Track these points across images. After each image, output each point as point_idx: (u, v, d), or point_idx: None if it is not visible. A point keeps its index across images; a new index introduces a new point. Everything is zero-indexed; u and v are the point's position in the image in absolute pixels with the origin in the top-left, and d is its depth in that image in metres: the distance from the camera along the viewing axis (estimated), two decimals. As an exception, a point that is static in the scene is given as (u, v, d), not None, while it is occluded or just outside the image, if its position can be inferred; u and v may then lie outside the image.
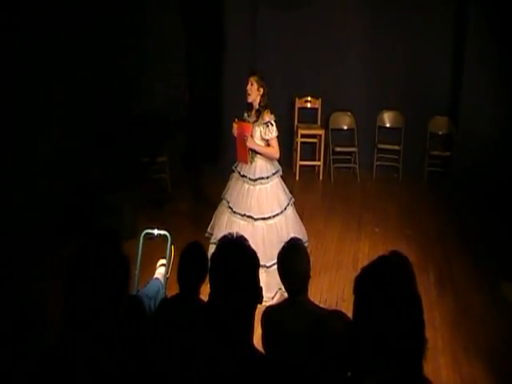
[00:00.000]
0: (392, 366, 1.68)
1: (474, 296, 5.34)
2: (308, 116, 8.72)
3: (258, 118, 5.03)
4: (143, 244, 4.31)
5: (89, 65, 6.18)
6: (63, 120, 5.82)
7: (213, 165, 7.89)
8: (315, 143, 8.64)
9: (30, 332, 2.21)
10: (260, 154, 5.07)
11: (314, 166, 8.68)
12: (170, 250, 4.47)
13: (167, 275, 4.40)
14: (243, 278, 1.99)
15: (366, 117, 8.58)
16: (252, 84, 4.99)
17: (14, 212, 5.18)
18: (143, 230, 4.38)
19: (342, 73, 8.54)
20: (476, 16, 7.71)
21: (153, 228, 4.40)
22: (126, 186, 6.50)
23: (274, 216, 5.10)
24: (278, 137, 5.09)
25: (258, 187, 5.08)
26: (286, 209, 5.19)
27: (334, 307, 4.79)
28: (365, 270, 1.78)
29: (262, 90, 5.01)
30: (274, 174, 5.15)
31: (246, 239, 2.11)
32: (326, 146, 8.52)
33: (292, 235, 5.04)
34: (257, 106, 5.05)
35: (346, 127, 8.69)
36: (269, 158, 5.13)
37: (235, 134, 5.09)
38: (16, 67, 5.17)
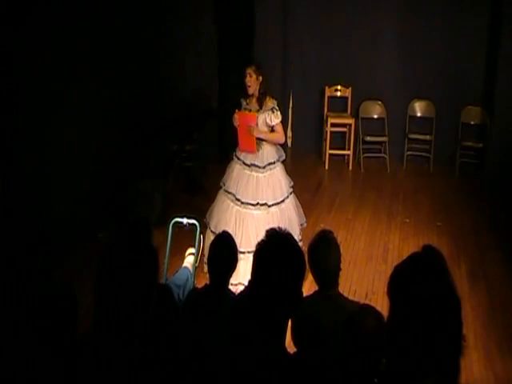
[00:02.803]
0: (428, 366, 1.64)
1: (508, 291, 5.21)
2: (338, 105, 8.63)
3: (260, 105, 5.00)
4: (172, 232, 4.31)
5: (123, 57, 6.24)
6: (98, 110, 5.88)
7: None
8: (345, 132, 8.55)
9: (62, 321, 2.19)
10: (266, 140, 5.06)
11: (343, 156, 8.59)
12: (199, 238, 4.48)
13: (196, 264, 4.41)
14: (289, 283, 1.86)
15: (397, 106, 8.46)
16: (251, 75, 4.93)
17: (48, 199, 5.25)
18: (172, 219, 4.37)
19: (372, 61, 8.43)
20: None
21: (182, 217, 4.39)
22: (157, 173, 6.51)
23: (284, 199, 5.10)
24: (281, 121, 5.07)
25: (268, 173, 5.06)
26: (291, 192, 5.20)
27: (363, 299, 4.74)
28: (399, 270, 1.72)
29: (261, 78, 4.96)
30: (278, 160, 5.14)
31: (295, 240, 2.01)
32: (356, 135, 8.43)
33: (297, 217, 5.17)
34: (257, 94, 5.01)
35: (376, 116, 8.57)
36: (275, 143, 5.14)
37: (236, 125, 5.04)
38: (59, 61, 5.27)
